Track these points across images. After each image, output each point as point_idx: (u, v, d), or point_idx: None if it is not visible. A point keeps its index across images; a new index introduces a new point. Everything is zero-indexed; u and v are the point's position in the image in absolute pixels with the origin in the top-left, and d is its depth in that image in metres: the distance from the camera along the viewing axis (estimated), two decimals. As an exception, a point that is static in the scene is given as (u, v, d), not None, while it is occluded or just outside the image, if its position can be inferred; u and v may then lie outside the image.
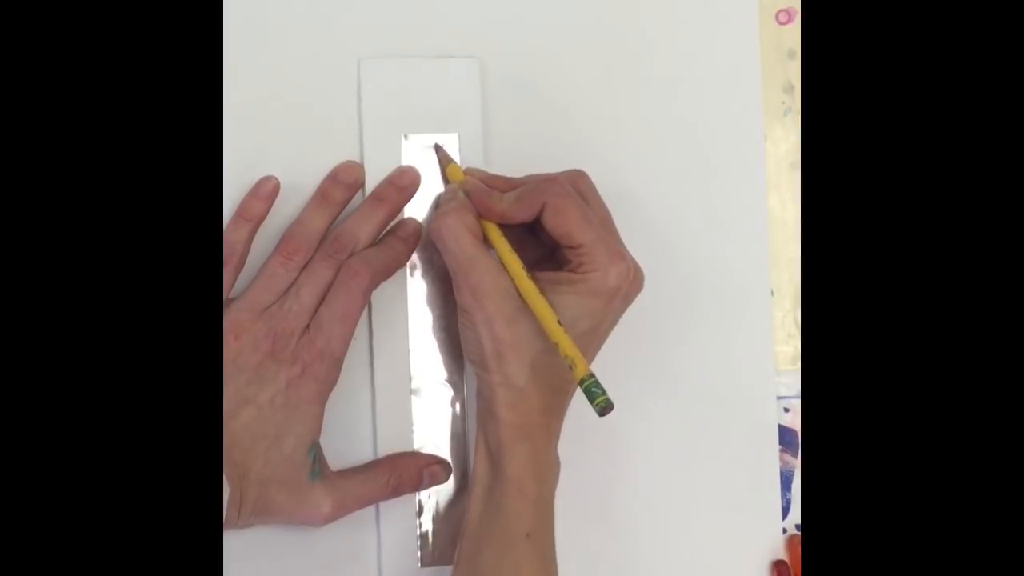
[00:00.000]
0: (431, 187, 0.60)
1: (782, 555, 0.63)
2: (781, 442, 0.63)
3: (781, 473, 0.63)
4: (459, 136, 0.60)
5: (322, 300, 0.56)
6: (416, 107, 0.60)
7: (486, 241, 0.55)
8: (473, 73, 0.61)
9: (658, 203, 0.63)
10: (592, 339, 0.55)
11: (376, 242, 0.58)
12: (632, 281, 0.55)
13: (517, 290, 0.54)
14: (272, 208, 0.57)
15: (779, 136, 0.64)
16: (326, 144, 0.59)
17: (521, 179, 0.57)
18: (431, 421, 0.60)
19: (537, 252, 0.57)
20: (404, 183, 0.59)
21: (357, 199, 0.59)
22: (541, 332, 0.53)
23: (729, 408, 0.63)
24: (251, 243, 0.57)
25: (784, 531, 0.63)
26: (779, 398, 0.64)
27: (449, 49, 0.61)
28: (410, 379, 0.60)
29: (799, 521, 0.63)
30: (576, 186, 0.56)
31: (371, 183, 0.59)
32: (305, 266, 0.56)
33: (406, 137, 0.60)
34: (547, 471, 0.55)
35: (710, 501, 0.62)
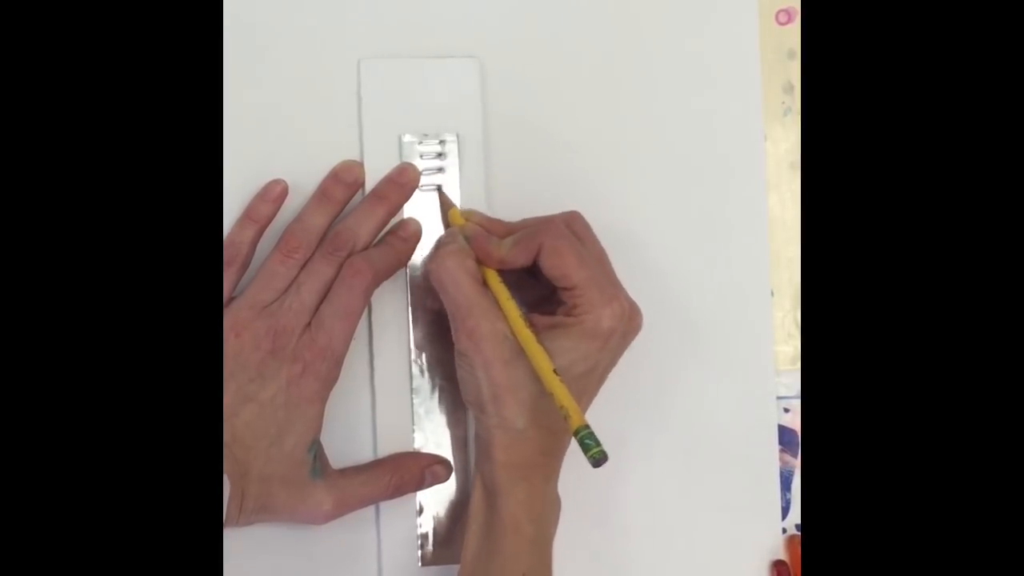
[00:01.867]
0: (431, 230, 0.59)
1: (782, 555, 0.63)
2: (781, 442, 0.63)
3: (781, 473, 0.63)
4: (459, 136, 0.60)
5: (323, 298, 0.56)
6: (416, 107, 0.60)
7: (485, 285, 0.55)
8: (473, 73, 0.61)
9: (658, 203, 0.63)
10: (590, 381, 0.55)
11: (377, 242, 0.58)
12: (628, 321, 0.55)
13: (514, 335, 0.54)
14: (274, 209, 0.58)
15: (779, 136, 0.64)
16: (326, 143, 0.59)
17: (519, 223, 0.58)
18: (431, 421, 0.60)
19: (536, 294, 0.57)
20: (404, 180, 0.59)
21: (357, 199, 0.59)
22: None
23: (729, 408, 0.63)
24: (256, 245, 0.57)
25: (784, 531, 0.63)
26: (779, 398, 0.64)
27: (449, 49, 0.61)
28: (410, 379, 0.60)
29: (799, 521, 0.63)
30: (571, 227, 0.56)
31: (371, 182, 0.59)
32: (305, 264, 0.56)
33: (405, 136, 0.60)
34: (545, 511, 0.55)
35: (710, 501, 0.62)
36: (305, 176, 0.59)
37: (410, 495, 0.59)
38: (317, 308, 0.56)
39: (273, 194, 0.57)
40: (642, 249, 0.62)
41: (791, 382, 0.64)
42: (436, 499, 0.60)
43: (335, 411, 0.57)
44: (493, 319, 0.54)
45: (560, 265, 0.54)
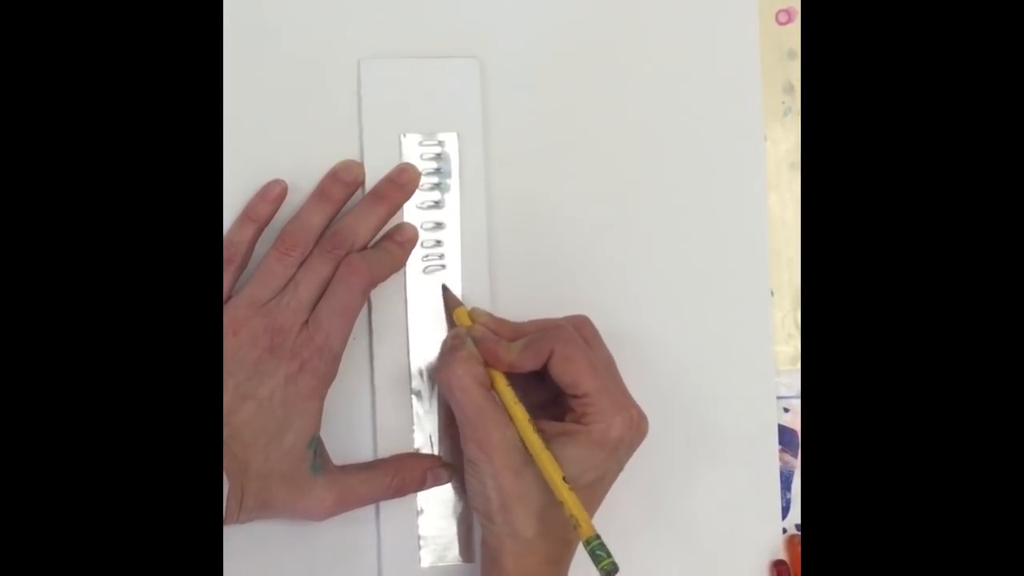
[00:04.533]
0: (438, 331, 0.59)
1: (782, 555, 0.63)
2: (781, 442, 0.63)
3: (781, 473, 0.63)
4: (459, 136, 0.60)
5: (321, 296, 0.56)
6: (416, 107, 0.60)
7: (492, 389, 0.55)
8: (473, 73, 0.61)
9: (658, 202, 0.63)
10: (598, 490, 0.55)
11: (372, 245, 0.58)
12: (636, 430, 0.55)
13: (523, 441, 0.54)
14: (274, 209, 0.58)
15: (779, 136, 0.64)
16: (326, 143, 0.59)
17: (525, 324, 0.58)
18: (431, 421, 0.60)
19: (542, 396, 0.57)
20: (403, 181, 0.59)
21: (356, 198, 0.59)
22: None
23: (729, 408, 0.63)
24: (255, 244, 0.57)
25: (784, 531, 0.63)
26: (779, 398, 0.64)
27: (449, 49, 0.61)
28: (410, 379, 0.60)
29: (799, 521, 0.63)
30: (581, 332, 0.56)
31: (371, 182, 0.59)
32: (303, 262, 0.56)
33: (405, 136, 0.60)
34: None
35: (710, 501, 0.62)
36: (305, 176, 0.59)
37: (411, 495, 0.59)
38: (315, 306, 0.56)
39: (273, 194, 0.57)
40: (641, 246, 0.62)
41: (791, 382, 0.64)
42: (437, 500, 0.60)
43: (335, 411, 0.57)
44: (503, 427, 0.54)
45: (571, 372, 0.54)
